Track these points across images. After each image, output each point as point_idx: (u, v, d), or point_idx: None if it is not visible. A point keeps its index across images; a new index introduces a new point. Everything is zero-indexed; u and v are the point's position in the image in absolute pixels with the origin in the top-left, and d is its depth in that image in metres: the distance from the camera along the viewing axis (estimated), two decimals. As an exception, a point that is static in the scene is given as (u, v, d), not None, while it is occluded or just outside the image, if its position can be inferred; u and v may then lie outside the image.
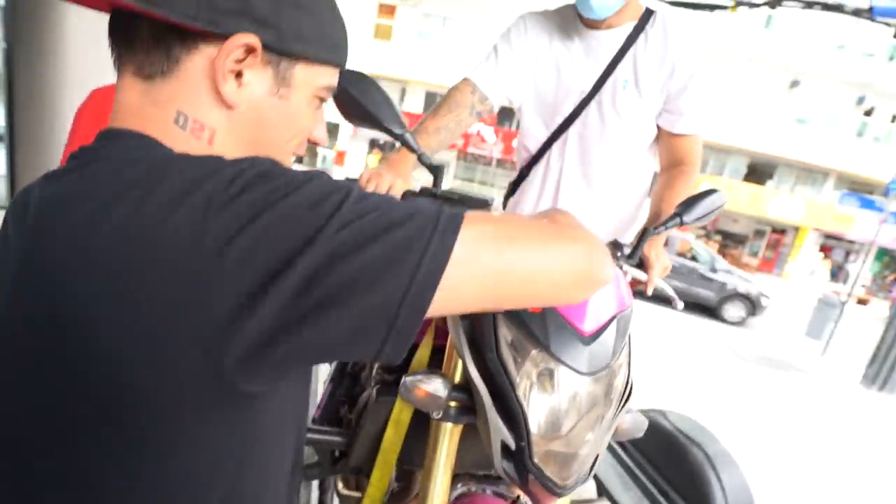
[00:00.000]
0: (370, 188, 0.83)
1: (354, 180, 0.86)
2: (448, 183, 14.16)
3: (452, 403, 0.70)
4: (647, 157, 1.21)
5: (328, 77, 0.49)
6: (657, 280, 0.93)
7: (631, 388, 0.69)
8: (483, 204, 0.81)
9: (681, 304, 0.95)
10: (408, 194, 0.84)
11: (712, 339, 6.13)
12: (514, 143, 1.32)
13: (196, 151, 0.42)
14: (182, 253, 0.35)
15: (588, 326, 0.61)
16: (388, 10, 14.99)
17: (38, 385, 0.38)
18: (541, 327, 0.60)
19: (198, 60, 0.41)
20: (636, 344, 0.74)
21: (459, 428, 0.73)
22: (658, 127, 1.15)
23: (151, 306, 0.35)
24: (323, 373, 1.20)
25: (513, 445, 0.60)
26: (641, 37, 1.08)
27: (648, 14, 1.09)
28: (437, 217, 0.39)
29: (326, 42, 0.47)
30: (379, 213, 0.38)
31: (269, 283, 0.35)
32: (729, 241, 17.61)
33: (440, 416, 0.70)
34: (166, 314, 0.35)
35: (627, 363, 0.69)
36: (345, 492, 1.03)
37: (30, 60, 1.65)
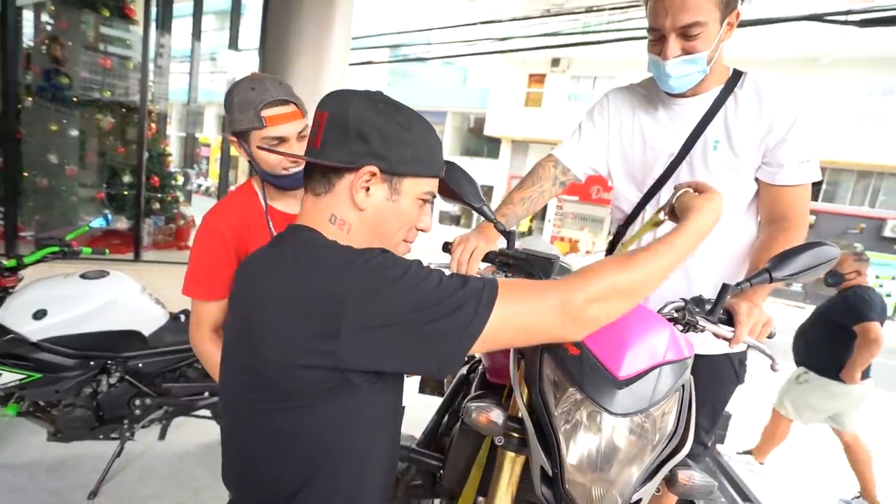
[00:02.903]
0: (458, 251, 1.03)
1: (450, 243, 1.08)
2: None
3: (515, 434, 0.81)
4: (747, 217, 1.18)
5: (428, 185, 0.75)
6: (748, 339, 0.89)
7: (684, 440, 0.70)
8: (548, 262, 0.93)
9: (779, 366, 0.88)
10: (490, 254, 1.02)
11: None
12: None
13: (340, 237, 0.71)
14: (325, 305, 0.62)
15: (623, 372, 0.68)
16: (538, 80, 15.93)
17: (242, 370, 0.70)
18: (577, 368, 0.69)
19: (344, 182, 0.70)
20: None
21: (522, 459, 0.83)
22: (758, 181, 1.12)
23: (300, 330, 0.63)
24: (429, 405, 1.38)
25: (550, 472, 0.69)
26: (731, 99, 1.10)
27: (737, 77, 1.11)
28: (473, 317, 0.62)
29: (423, 163, 0.72)
30: (446, 303, 0.62)
31: (368, 329, 0.61)
32: None
33: (502, 443, 0.81)
34: (308, 336, 0.62)
35: (677, 413, 0.71)
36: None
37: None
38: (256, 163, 1.10)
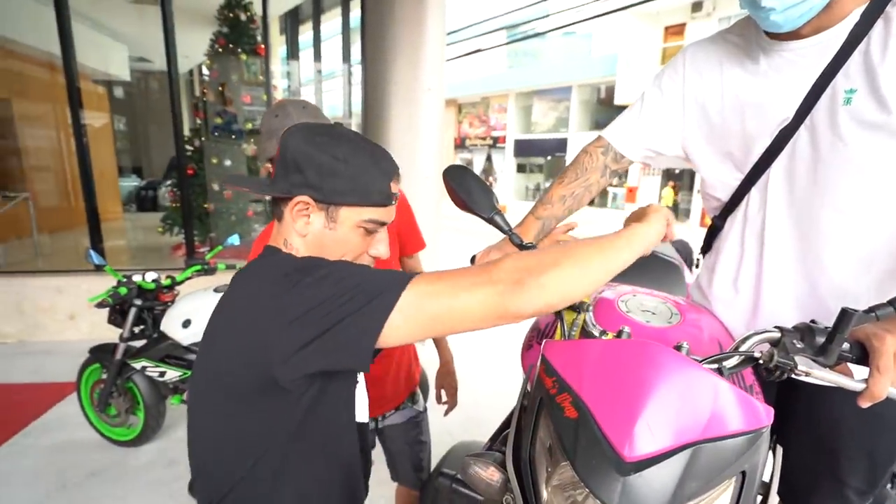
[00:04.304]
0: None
1: (474, 256, 0.95)
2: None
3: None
4: None
5: (368, 214, 0.75)
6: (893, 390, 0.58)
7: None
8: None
9: None
10: None
11: None
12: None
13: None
14: (261, 313, 0.65)
15: (633, 451, 0.49)
16: (676, 31, 13.88)
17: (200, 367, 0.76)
18: (571, 437, 0.52)
19: (288, 211, 0.75)
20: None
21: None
22: None
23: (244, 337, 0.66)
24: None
25: (538, 565, 0.54)
26: (878, 25, 0.73)
27: None
28: (386, 286, 0.61)
29: (359, 193, 0.73)
30: (356, 288, 0.62)
31: (293, 327, 0.62)
32: None
33: (510, 506, 0.68)
34: (249, 342, 0.65)
35: (729, 513, 0.49)
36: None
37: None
38: None
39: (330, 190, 0.72)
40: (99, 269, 2.31)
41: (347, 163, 0.72)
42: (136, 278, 2.23)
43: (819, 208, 0.83)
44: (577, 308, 0.77)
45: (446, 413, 1.50)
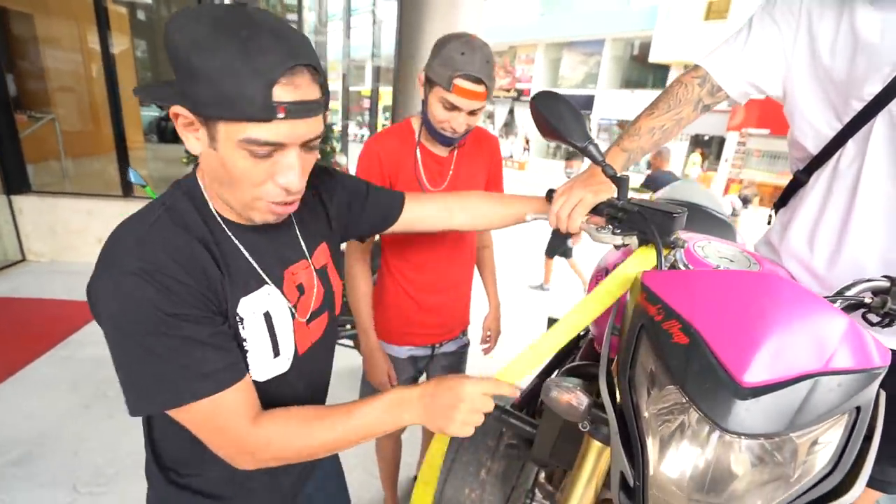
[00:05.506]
0: (559, 203, 0.87)
1: (552, 190, 0.92)
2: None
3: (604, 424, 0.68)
4: None
5: (248, 131, 0.53)
6: None
7: (849, 483, 0.49)
8: (668, 218, 0.72)
9: None
10: (600, 206, 0.84)
11: None
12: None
13: (205, 184, 0.64)
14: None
15: (751, 377, 0.48)
16: (727, -17, 12.90)
17: None
18: (680, 362, 0.52)
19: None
20: None
21: (608, 450, 0.69)
22: None
23: None
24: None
25: (631, 481, 0.55)
26: None
27: None
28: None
29: (225, 104, 0.52)
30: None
31: None
32: None
33: (587, 428, 0.69)
34: None
35: (842, 445, 0.49)
36: (542, 480, 1.09)
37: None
38: (427, 108, 1.15)
39: (193, 98, 0.53)
40: (128, 189, 2.31)
41: (206, 60, 0.50)
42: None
43: None
44: (671, 244, 0.75)
45: (486, 352, 1.57)
